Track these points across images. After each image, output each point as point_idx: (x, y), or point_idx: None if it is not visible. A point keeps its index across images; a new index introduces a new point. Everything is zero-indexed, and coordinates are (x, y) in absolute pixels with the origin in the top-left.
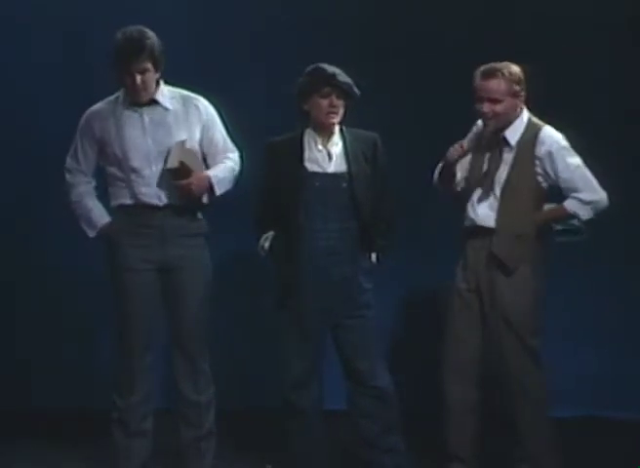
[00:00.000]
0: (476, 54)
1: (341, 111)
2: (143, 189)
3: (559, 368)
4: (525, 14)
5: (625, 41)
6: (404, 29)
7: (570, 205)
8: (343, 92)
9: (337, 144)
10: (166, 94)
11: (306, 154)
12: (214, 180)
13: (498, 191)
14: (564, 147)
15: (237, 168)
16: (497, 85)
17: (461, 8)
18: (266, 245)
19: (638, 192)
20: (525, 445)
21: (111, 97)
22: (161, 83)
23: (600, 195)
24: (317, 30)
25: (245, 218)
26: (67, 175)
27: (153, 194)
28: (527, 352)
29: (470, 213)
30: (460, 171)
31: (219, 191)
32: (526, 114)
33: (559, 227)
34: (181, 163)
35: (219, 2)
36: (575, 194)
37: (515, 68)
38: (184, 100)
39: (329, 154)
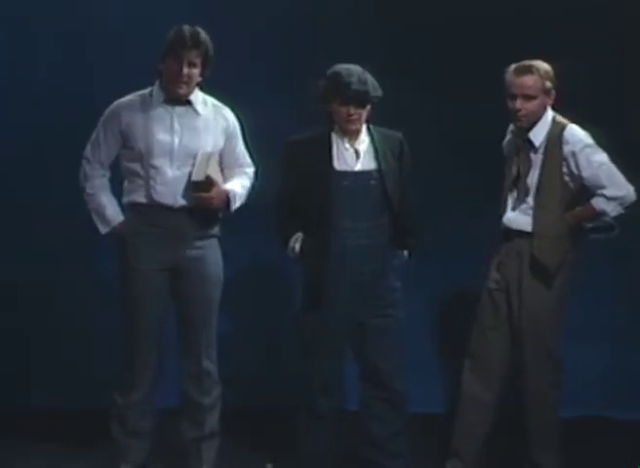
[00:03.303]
0: (491, 53)
1: (364, 115)
2: (159, 188)
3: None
4: (531, 10)
5: None
6: (406, 29)
7: (596, 202)
8: (361, 101)
9: (364, 142)
10: (200, 98)
11: (334, 153)
12: (231, 196)
13: (530, 195)
14: (587, 145)
15: (251, 184)
16: (531, 81)
17: (472, 6)
18: (297, 246)
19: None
20: (531, 445)
21: (143, 92)
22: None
23: (626, 190)
24: (317, 30)
25: (247, 219)
26: (85, 165)
27: (169, 194)
28: (547, 353)
29: (503, 216)
30: None
31: (234, 207)
32: (550, 113)
33: (590, 225)
34: (208, 177)
35: (219, 2)
36: (600, 191)
37: (547, 66)
38: (215, 109)
39: (356, 153)
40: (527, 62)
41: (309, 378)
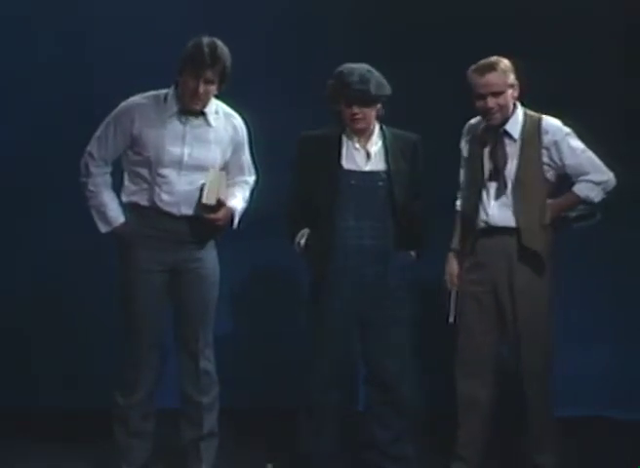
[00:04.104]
0: (491, 53)
1: (371, 115)
2: (165, 197)
3: (559, 368)
4: (531, 10)
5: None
6: (406, 29)
7: (581, 189)
8: (363, 101)
9: (376, 144)
10: (212, 108)
11: (344, 152)
12: (236, 215)
13: (510, 187)
14: (567, 133)
15: (250, 192)
16: (496, 78)
17: (468, 7)
18: (302, 242)
19: (637, 194)
20: (530, 445)
21: (157, 93)
22: None
23: (608, 175)
24: (317, 30)
25: (248, 221)
26: (89, 161)
27: (174, 204)
28: (541, 350)
29: (482, 214)
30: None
31: (236, 225)
32: (520, 107)
33: (573, 214)
34: (219, 200)
35: (219, 2)
36: (584, 177)
37: (506, 60)
38: (225, 118)
39: (367, 154)
40: (486, 61)
41: (310, 378)
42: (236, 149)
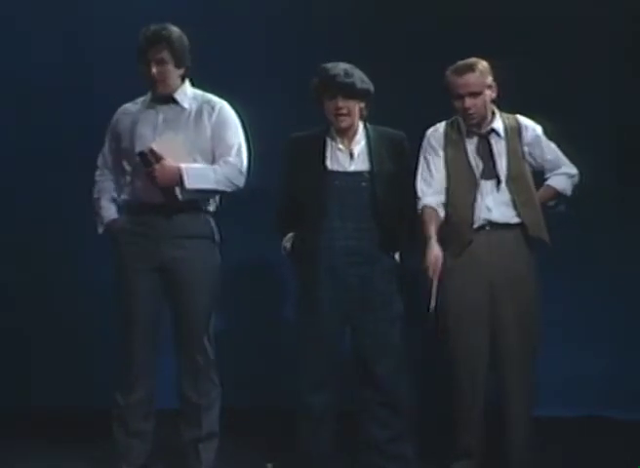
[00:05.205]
0: (491, 53)
1: (355, 111)
2: (139, 184)
3: (559, 368)
4: (531, 10)
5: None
6: (405, 29)
7: (558, 182)
8: (348, 93)
9: (359, 143)
10: (188, 94)
11: (328, 152)
12: (184, 172)
13: (504, 183)
14: (541, 130)
15: (228, 172)
16: (474, 78)
17: (461, 8)
18: (288, 245)
19: (636, 194)
20: (513, 445)
21: (143, 97)
22: (187, 83)
23: (575, 168)
24: (317, 30)
25: (247, 218)
26: (96, 171)
27: (147, 191)
28: (531, 351)
29: (480, 213)
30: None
31: (189, 185)
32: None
33: (552, 206)
34: (151, 150)
35: (219, 2)
36: (558, 171)
37: (484, 62)
38: (204, 102)
39: (351, 153)
40: (465, 62)
41: (300, 379)
42: (216, 129)
